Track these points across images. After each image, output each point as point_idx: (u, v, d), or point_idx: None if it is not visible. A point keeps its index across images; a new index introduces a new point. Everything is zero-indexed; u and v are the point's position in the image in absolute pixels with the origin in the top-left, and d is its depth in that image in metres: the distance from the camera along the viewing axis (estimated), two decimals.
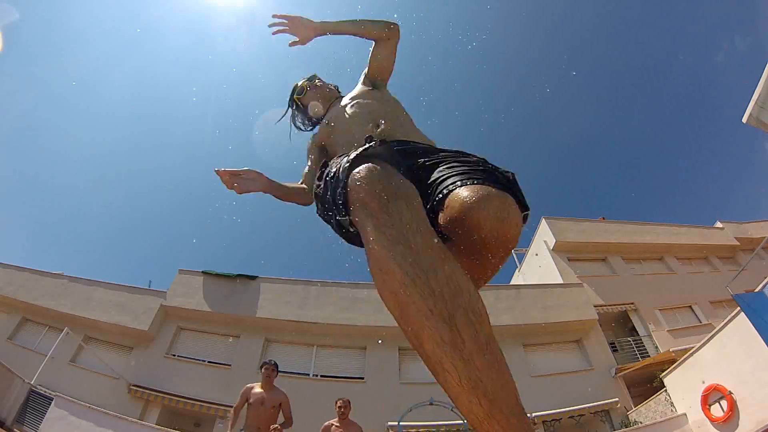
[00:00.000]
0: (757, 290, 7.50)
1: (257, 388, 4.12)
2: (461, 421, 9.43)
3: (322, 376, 11.48)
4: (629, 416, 10.24)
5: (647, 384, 11.04)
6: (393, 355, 11.80)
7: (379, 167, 0.92)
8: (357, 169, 0.92)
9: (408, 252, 0.74)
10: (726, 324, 8.16)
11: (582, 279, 14.34)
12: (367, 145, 1.02)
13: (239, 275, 13.07)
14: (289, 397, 4.29)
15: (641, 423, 9.48)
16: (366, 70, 1.75)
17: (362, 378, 11.38)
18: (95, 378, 10.90)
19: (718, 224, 18.93)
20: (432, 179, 1.06)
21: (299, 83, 1.94)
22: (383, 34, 1.61)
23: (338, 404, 4.61)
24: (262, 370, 4.21)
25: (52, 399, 8.60)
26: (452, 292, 0.73)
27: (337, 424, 4.45)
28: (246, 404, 4.02)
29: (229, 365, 11.43)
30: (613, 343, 13.13)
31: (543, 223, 16.80)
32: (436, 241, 0.79)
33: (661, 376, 9.83)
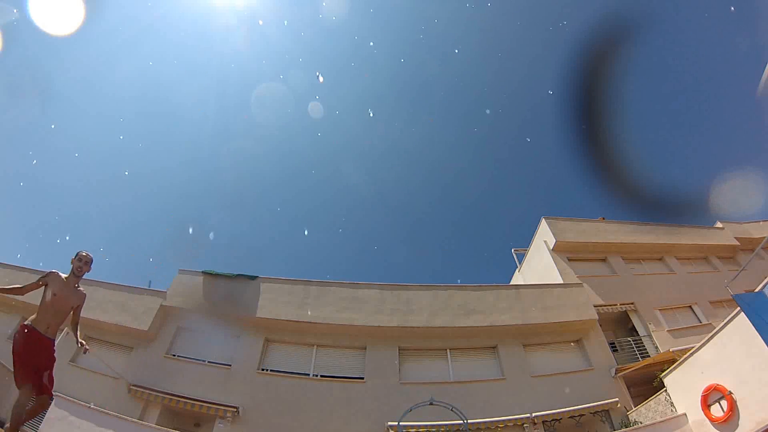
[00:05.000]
0: (757, 290, 7.50)
1: (62, 279, 3.53)
2: (461, 421, 9.43)
3: (322, 376, 11.48)
4: (629, 416, 10.24)
5: (647, 384, 11.03)
6: (393, 355, 11.80)
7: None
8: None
9: None
10: (726, 324, 8.16)
11: (582, 279, 14.33)
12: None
13: (239, 275, 13.07)
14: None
15: (641, 423, 9.48)
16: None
17: (362, 378, 11.37)
18: (95, 378, 10.90)
19: (718, 224, 18.92)
20: None
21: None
22: None
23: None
24: (75, 260, 3.57)
25: (52, 399, 8.59)
26: None
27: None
28: (44, 292, 3.46)
29: (229, 365, 11.42)
30: (613, 343, 13.13)
31: (543, 223, 16.81)
32: None
33: (661, 376, 9.83)
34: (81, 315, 3.71)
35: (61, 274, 3.56)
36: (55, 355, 3.59)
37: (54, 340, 3.54)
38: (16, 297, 3.74)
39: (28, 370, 3.33)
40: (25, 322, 3.40)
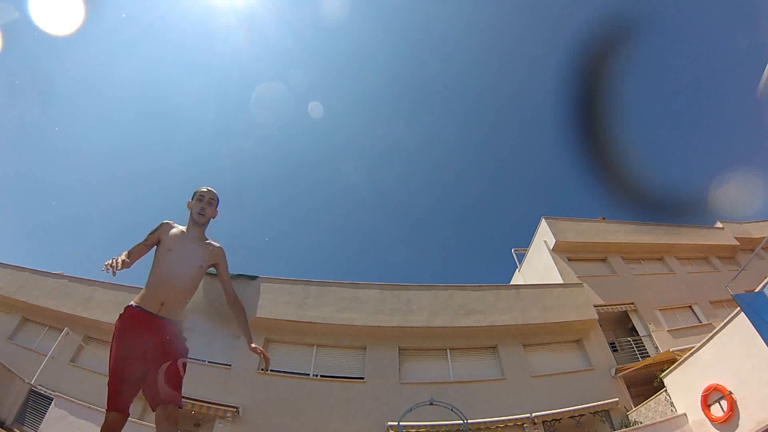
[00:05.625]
0: (757, 290, 7.50)
1: (178, 230, 2.37)
2: (461, 421, 9.44)
3: (322, 376, 11.48)
4: (629, 416, 10.24)
5: (647, 384, 11.03)
6: (393, 355, 11.80)
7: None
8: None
9: None
10: (726, 324, 8.16)
11: (582, 279, 14.33)
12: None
13: (239, 275, 13.06)
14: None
15: (641, 423, 9.48)
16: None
17: (362, 378, 11.38)
18: (95, 378, 10.88)
19: (718, 224, 18.92)
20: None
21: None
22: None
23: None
24: (193, 201, 2.42)
25: (52, 399, 8.61)
26: None
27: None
28: (156, 250, 2.31)
29: (229, 365, 11.42)
30: (613, 343, 13.13)
31: (543, 223, 16.81)
32: None
33: (661, 376, 9.83)
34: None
35: (175, 224, 2.41)
36: (183, 344, 2.22)
37: (177, 324, 2.23)
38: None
39: (127, 377, 2.00)
40: (131, 303, 2.25)
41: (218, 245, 2.47)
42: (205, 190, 2.46)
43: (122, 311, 2.22)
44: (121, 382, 1.98)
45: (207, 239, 2.45)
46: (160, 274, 2.26)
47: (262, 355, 2.25)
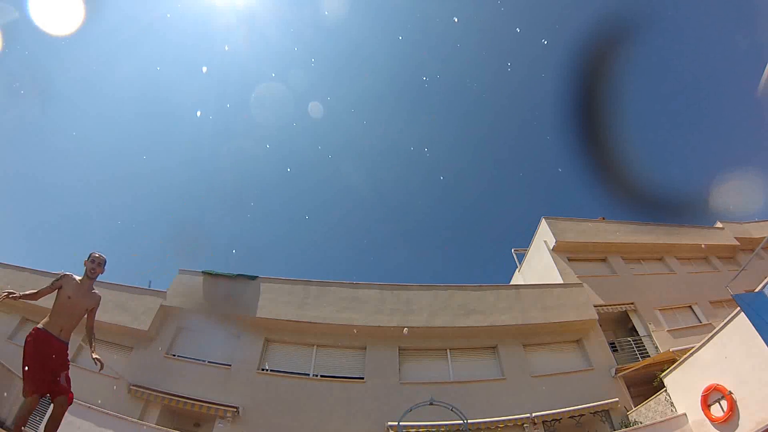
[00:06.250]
0: (757, 290, 7.50)
1: (76, 281, 3.52)
2: (461, 421, 9.43)
3: (322, 376, 11.48)
4: (629, 416, 10.24)
5: (647, 384, 11.03)
6: (393, 355, 11.80)
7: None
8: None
9: None
10: (726, 324, 8.16)
11: (582, 279, 14.33)
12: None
13: (239, 275, 13.07)
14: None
15: (641, 423, 9.48)
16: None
17: (362, 378, 11.37)
18: (95, 378, 10.88)
19: (718, 224, 18.92)
20: None
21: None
22: None
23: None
24: (87, 261, 3.56)
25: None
26: None
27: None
28: (57, 295, 3.44)
29: (229, 365, 11.42)
30: (613, 343, 13.13)
31: (543, 223, 16.81)
32: None
33: (661, 376, 9.83)
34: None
35: (75, 276, 3.54)
36: (68, 359, 3.48)
37: (68, 344, 3.45)
38: (29, 302, 3.55)
39: (45, 375, 3.15)
40: (38, 326, 3.31)
41: (99, 294, 3.72)
42: (97, 255, 3.58)
43: (32, 331, 3.24)
44: (41, 373, 3.11)
45: (94, 290, 3.65)
46: (60, 311, 3.38)
47: (98, 363, 3.48)
